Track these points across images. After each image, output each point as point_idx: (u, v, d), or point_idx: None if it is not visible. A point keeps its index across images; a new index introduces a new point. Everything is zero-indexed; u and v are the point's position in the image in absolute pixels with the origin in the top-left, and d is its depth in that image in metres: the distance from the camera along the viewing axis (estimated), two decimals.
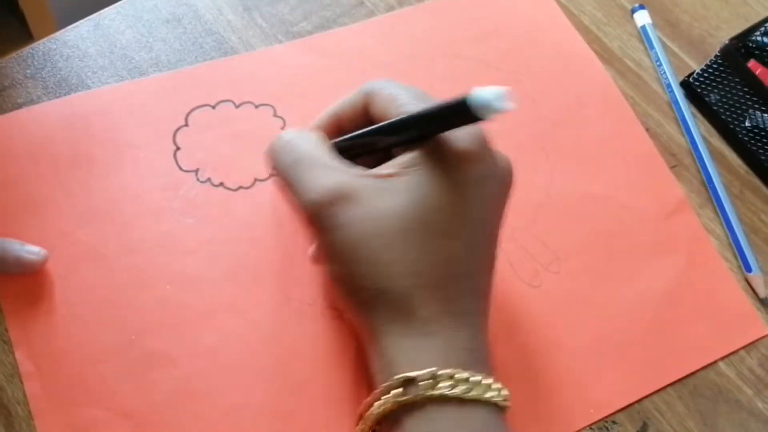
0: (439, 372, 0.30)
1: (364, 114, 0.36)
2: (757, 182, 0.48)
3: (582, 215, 0.44)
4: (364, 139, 0.35)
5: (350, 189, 0.32)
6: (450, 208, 0.32)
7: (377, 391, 0.31)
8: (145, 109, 0.43)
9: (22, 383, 0.36)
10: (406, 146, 0.33)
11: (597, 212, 0.45)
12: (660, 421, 0.40)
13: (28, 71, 0.43)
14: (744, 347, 0.43)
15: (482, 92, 0.28)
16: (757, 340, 0.43)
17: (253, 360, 0.38)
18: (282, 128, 0.44)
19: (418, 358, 0.31)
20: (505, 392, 0.32)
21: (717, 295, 0.44)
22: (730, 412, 0.41)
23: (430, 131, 0.32)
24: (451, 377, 0.30)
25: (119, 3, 0.46)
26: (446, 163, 0.32)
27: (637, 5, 0.52)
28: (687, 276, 0.44)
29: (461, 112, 0.29)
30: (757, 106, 0.48)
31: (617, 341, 0.41)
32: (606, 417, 0.40)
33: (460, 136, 0.32)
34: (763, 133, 0.48)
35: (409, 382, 0.30)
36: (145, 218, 0.40)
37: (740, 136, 0.49)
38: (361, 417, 0.32)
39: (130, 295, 0.38)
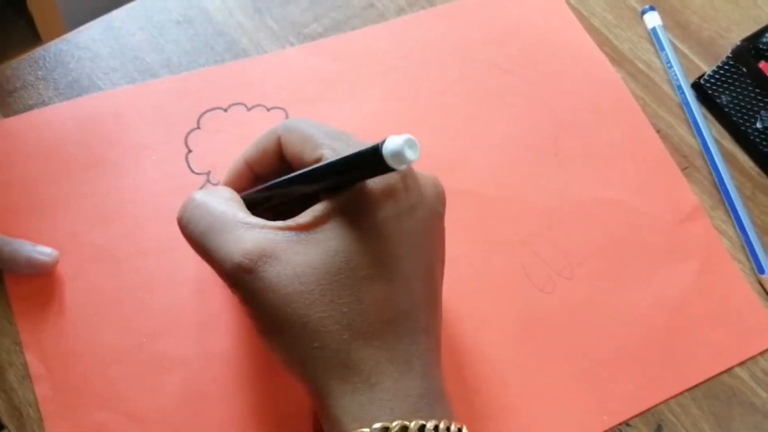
0: (391, 425, 0.29)
1: (276, 157, 0.34)
2: None
3: (595, 220, 0.44)
4: (276, 189, 0.33)
5: (269, 247, 0.30)
6: (372, 253, 0.30)
7: None
8: (157, 111, 0.43)
9: (33, 385, 0.36)
10: (325, 192, 0.31)
11: (610, 217, 0.45)
12: (674, 424, 0.40)
13: (40, 72, 0.43)
14: (759, 354, 0.42)
15: (394, 142, 0.27)
16: None
17: (264, 364, 0.38)
18: None
19: (366, 414, 0.29)
20: (464, 430, 0.30)
21: (731, 301, 0.43)
22: (744, 414, 0.41)
23: (347, 180, 0.30)
24: (404, 429, 0.29)
25: (130, 4, 0.46)
26: (364, 206, 0.30)
27: (647, 7, 0.52)
28: (701, 282, 0.43)
29: (375, 162, 0.28)
30: (767, 107, 0.48)
31: (631, 347, 0.41)
32: (621, 422, 0.39)
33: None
34: None
35: None
36: (157, 221, 0.40)
37: (752, 137, 0.48)
38: None
39: (141, 298, 0.38)
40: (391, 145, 0.27)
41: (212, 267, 0.31)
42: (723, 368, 0.41)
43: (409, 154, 0.27)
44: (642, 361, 0.41)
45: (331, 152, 0.31)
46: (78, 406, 0.36)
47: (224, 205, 0.32)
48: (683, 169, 0.47)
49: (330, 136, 0.32)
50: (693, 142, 0.48)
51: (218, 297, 0.39)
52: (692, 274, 0.43)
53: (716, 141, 0.48)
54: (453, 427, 0.30)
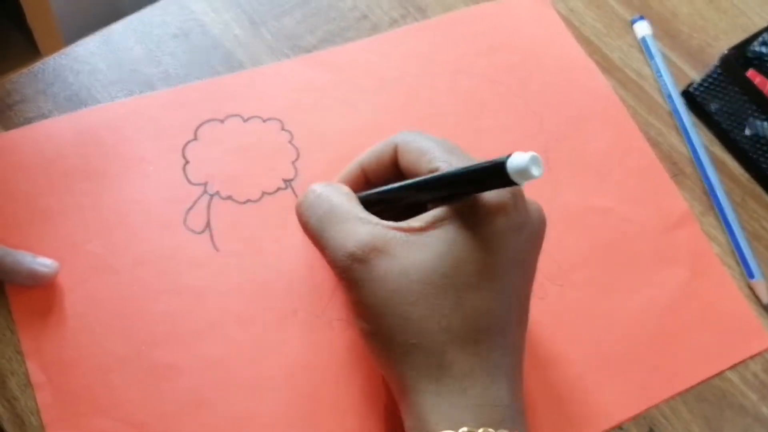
0: (476, 430, 0.30)
1: (391, 166, 0.36)
2: (758, 190, 0.49)
3: (585, 228, 0.45)
4: (392, 194, 0.35)
5: (381, 243, 0.31)
6: (479, 262, 0.31)
7: None
8: (155, 123, 0.43)
9: (34, 393, 0.36)
10: (436, 201, 0.33)
11: (600, 225, 0.45)
12: (666, 427, 0.40)
13: (39, 86, 0.44)
14: (750, 357, 0.43)
15: (519, 159, 0.28)
16: (761, 351, 0.43)
17: (260, 371, 0.38)
18: (290, 142, 0.44)
19: (454, 417, 0.30)
20: None
21: (721, 306, 0.44)
22: (734, 417, 0.41)
23: (463, 191, 0.32)
24: None
25: (128, 18, 0.47)
26: (476, 216, 0.32)
27: (637, 16, 0.53)
28: (690, 287, 0.44)
29: (497, 176, 0.29)
30: (756, 114, 0.49)
31: (622, 353, 0.42)
32: (613, 426, 0.40)
33: None
34: (763, 141, 0.48)
35: None
36: (154, 231, 0.41)
37: (741, 144, 0.49)
38: None
39: (139, 307, 0.39)
40: (516, 161, 0.28)
41: (323, 254, 0.33)
42: (713, 372, 0.42)
43: (534, 171, 0.28)
44: (633, 366, 0.41)
45: (447, 165, 0.33)
46: (79, 414, 0.36)
47: (342, 198, 0.34)
48: (673, 176, 0.48)
49: (446, 150, 0.34)
50: (683, 149, 0.49)
51: (216, 305, 0.39)
52: (682, 280, 0.44)
53: (706, 148, 0.49)
54: None
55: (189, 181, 0.42)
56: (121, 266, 0.40)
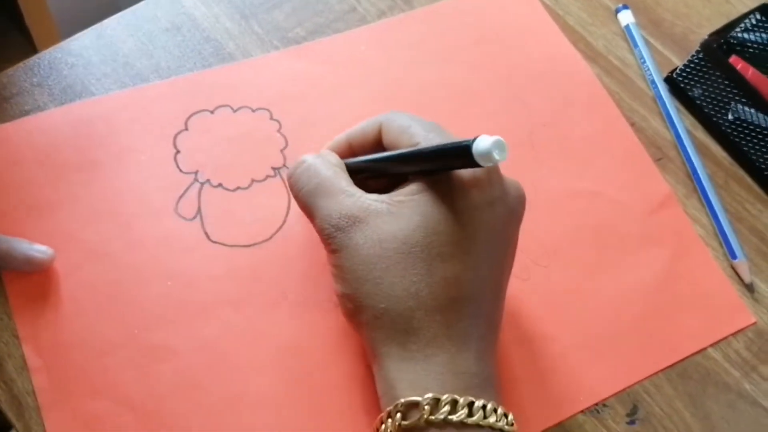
0: (442, 397, 0.31)
1: (375, 142, 0.38)
2: (741, 173, 0.49)
3: (570, 211, 0.46)
4: (376, 164, 0.37)
5: (362, 213, 0.34)
6: (452, 233, 0.33)
7: (382, 414, 0.33)
8: (147, 114, 0.45)
9: (30, 376, 0.37)
10: (417, 174, 0.35)
11: (584, 207, 0.46)
12: (650, 404, 0.41)
13: (35, 79, 0.45)
14: (732, 335, 0.44)
15: (484, 142, 0.30)
16: (743, 328, 0.44)
17: (251, 352, 0.39)
18: (278, 131, 0.45)
19: (419, 382, 0.32)
20: (510, 417, 0.32)
21: (704, 285, 0.45)
22: (718, 393, 0.42)
23: (437, 167, 0.34)
24: (454, 402, 0.31)
25: (121, 13, 0.48)
26: (451, 190, 0.33)
27: (620, 5, 0.54)
28: (674, 267, 0.45)
29: (463, 156, 0.31)
30: (738, 99, 0.49)
31: (606, 331, 0.43)
32: (597, 402, 0.41)
33: None
34: (745, 125, 0.49)
35: (411, 407, 0.31)
36: (147, 218, 0.42)
37: (723, 128, 0.50)
38: None
39: (133, 292, 0.40)
40: (481, 144, 0.30)
41: (312, 222, 0.36)
42: (696, 349, 0.43)
43: (497, 155, 0.30)
44: (617, 344, 0.42)
45: (426, 142, 0.35)
46: (74, 396, 0.37)
47: (330, 171, 0.36)
48: (657, 160, 0.49)
49: (426, 128, 0.35)
50: (667, 134, 0.50)
51: (207, 289, 0.40)
52: (665, 260, 0.45)
53: (689, 132, 0.50)
54: (500, 410, 0.32)
55: (180, 170, 0.43)
56: (114, 253, 0.41)
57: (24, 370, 0.38)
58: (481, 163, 0.30)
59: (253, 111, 0.46)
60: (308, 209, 0.36)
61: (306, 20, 0.50)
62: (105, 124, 0.44)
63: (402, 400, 0.31)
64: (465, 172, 0.33)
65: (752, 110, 0.49)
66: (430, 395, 0.31)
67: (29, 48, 0.88)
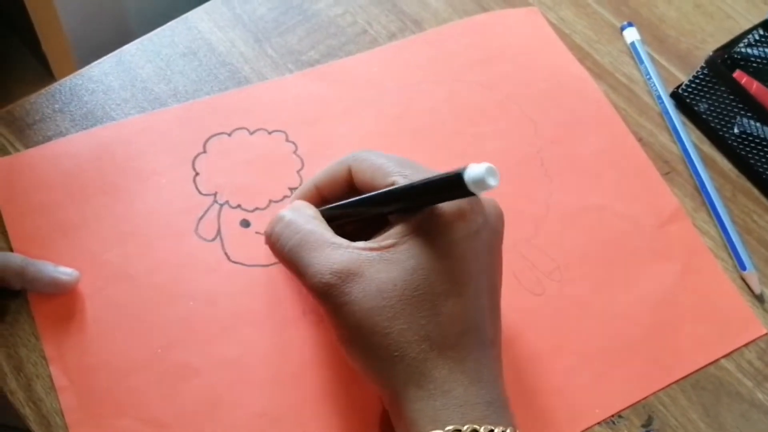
0: (462, 429, 0.32)
1: (346, 184, 0.37)
2: (748, 185, 0.50)
3: (581, 226, 0.47)
4: (353, 208, 0.36)
5: (355, 266, 0.33)
6: (448, 269, 0.33)
7: None
8: (166, 138, 0.46)
9: (58, 396, 0.38)
10: (398, 213, 0.34)
11: (595, 222, 0.47)
12: (665, 414, 0.42)
13: (56, 106, 0.46)
14: (744, 346, 0.44)
15: (476, 170, 0.29)
16: (755, 339, 0.45)
17: (272, 370, 0.40)
18: (294, 152, 0.46)
19: (439, 417, 0.32)
20: None
21: (714, 298, 0.45)
22: (731, 403, 0.43)
23: (423, 203, 0.33)
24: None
25: (139, 39, 0.49)
26: (438, 227, 0.33)
27: (625, 23, 0.55)
28: (684, 280, 0.46)
29: (455, 188, 0.31)
30: (743, 113, 0.50)
31: (619, 344, 0.43)
32: (612, 414, 0.41)
33: None
34: (750, 138, 0.50)
35: None
36: (168, 240, 0.43)
37: (730, 142, 0.51)
38: None
39: (156, 312, 0.41)
40: (473, 172, 0.29)
41: (300, 280, 0.35)
42: (709, 360, 0.43)
43: (491, 181, 0.29)
44: (630, 357, 0.43)
45: (403, 179, 0.34)
46: (100, 415, 0.38)
47: (311, 224, 0.35)
48: (665, 174, 0.50)
49: (400, 164, 0.35)
50: (674, 148, 0.51)
51: (228, 308, 0.41)
52: (675, 273, 0.46)
53: (696, 146, 0.51)
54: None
55: (199, 192, 0.44)
56: (137, 274, 0.42)
57: (52, 390, 0.38)
58: (475, 192, 0.30)
59: (269, 133, 0.47)
60: (294, 267, 0.35)
61: (319, 43, 0.51)
62: (125, 148, 0.45)
63: None
64: (447, 206, 0.33)
65: (757, 123, 0.50)
66: (451, 427, 0.32)
67: (45, 72, 0.90)
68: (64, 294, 0.40)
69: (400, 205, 0.34)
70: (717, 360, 0.44)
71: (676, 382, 0.43)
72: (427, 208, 0.33)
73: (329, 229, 0.36)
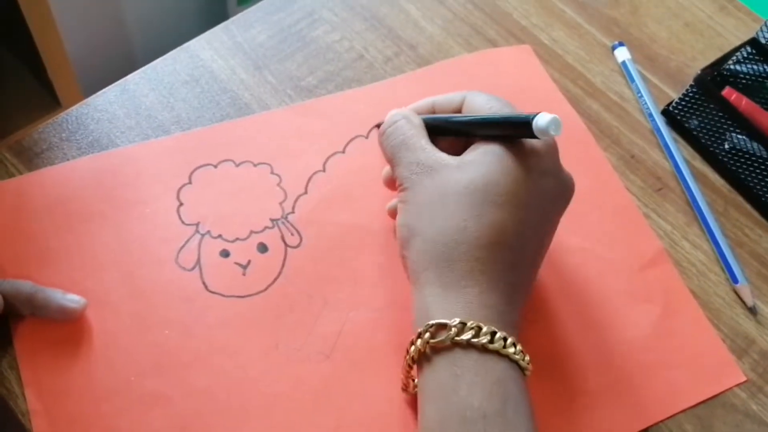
0: (468, 323, 0.35)
1: (455, 110, 0.43)
2: (739, 199, 0.51)
3: (562, 266, 0.46)
4: (449, 123, 0.42)
5: (435, 164, 0.39)
6: (508, 185, 0.37)
7: (414, 336, 0.37)
8: (153, 168, 0.46)
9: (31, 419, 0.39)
10: (481, 138, 0.40)
11: (576, 263, 0.46)
12: (659, 427, 0.43)
13: (63, 134, 0.47)
14: (723, 392, 0.43)
15: (543, 119, 0.36)
16: (734, 386, 0.43)
17: (243, 401, 0.40)
18: (278, 185, 0.47)
19: (450, 308, 0.36)
20: (527, 357, 0.36)
21: (694, 343, 0.44)
22: (726, 414, 0.43)
23: (502, 132, 0.39)
24: (478, 328, 0.35)
25: (143, 68, 0.51)
26: (513, 153, 0.38)
27: (616, 43, 0.57)
28: (663, 325, 0.45)
29: (524, 128, 0.37)
30: (733, 129, 0.51)
31: (593, 387, 0.42)
32: None
33: None
34: (740, 153, 0.51)
35: (440, 328, 0.35)
36: (148, 268, 0.43)
37: (720, 157, 0.52)
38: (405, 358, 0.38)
39: (131, 339, 0.41)
40: (541, 120, 0.36)
41: (394, 168, 0.41)
42: (686, 406, 0.42)
43: (552, 130, 0.36)
44: (606, 400, 0.42)
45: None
46: None
47: (413, 130, 0.42)
48: (657, 190, 0.51)
49: (505, 106, 0.41)
50: (666, 164, 0.52)
51: (202, 338, 0.42)
52: (654, 317, 0.45)
53: (687, 162, 0.52)
54: (519, 347, 0.36)
55: (182, 222, 0.45)
56: (116, 301, 0.42)
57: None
58: (539, 136, 0.36)
59: (255, 165, 0.47)
60: (393, 159, 0.42)
61: (317, 69, 0.52)
62: (113, 177, 0.46)
63: (432, 322, 0.36)
64: (527, 142, 0.39)
65: (747, 139, 0.51)
66: (457, 319, 0.35)
67: (53, 101, 0.92)
68: (71, 320, 0.41)
69: (485, 131, 0.40)
70: (695, 405, 0.42)
71: (654, 425, 0.42)
72: (509, 140, 0.39)
73: (426, 137, 0.41)
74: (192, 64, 0.51)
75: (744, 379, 0.44)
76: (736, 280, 0.47)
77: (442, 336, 0.35)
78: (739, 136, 0.51)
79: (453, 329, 0.35)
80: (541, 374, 0.42)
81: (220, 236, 0.45)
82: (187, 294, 0.43)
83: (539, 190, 0.38)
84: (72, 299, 0.41)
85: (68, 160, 0.47)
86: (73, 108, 0.49)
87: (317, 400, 0.41)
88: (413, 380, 0.39)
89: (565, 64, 0.55)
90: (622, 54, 0.56)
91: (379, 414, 0.41)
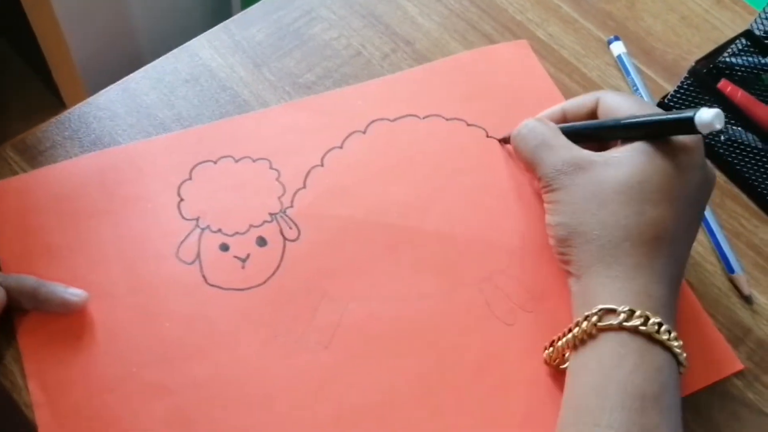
0: (637, 311, 0.37)
1: (589, 113, 0.45)
2: (735, 190, 0.52)
3: (556, 258, 0.46)
4: (590, 130, 0.43)
5: (583, 162, 0.41)
6: (663, 183, 0.39)
7: (577, 320, 0.39)
8: (154, 165, 0.47)
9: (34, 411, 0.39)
10: (627, 140, 0.41)
11: None
12: None
13: (66, 133, 0.48)
14: (720, 381, 0.44)
15: (707, 114, 0.37)
16: (731, 374, 0.44)
17: (242, 391, 0.41)
18: (277, 179, 0.48)
19: (618, 296, 0.38)
20: (684, 354, 0.38)
21: (690, 332, 0.44)
22: (722, 403, 0.44)
23: (654, 135, 0.40)
24: (646, 318, 0.37)
25: (144, 68, 0.51)
26: (664, 151, 0.40)
27: (612, 37, 0.57)
28: None
29: (685, 127, 0.39)
30: (728, 121, 0.52)
31: None
32: None
33: None
34: (736, 145, 0.51)
35: (608, 313, 0.38)
36: (150, 262, 0.44)
37: (717, 149, 0.52)
38: (551, 345, 0.41)
39: (133, 332, 0.42)
40: (705, 115, 0.37)
41: (535, 171, 0.43)
42: (685, 393, 0.42)
43: (717, 124, 0.37)
44: None
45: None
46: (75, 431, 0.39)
47: (551, 131, 0.44)
48: None
49: (642, 107, 0.42)
50: None
51: (202, 330, 0.42)
52: None
53: None
54: (678, 342, 0.38)
55: (183, 217, 0.46)
56: (118, 294, 0.43)
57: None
58: (702, 131, 0.38)
59: (254, 161, 0.48)
60: (532, 161, 0.43)
61: (315, 65, 0.53)
62: (115, 174, 0.47)
63: (601, 306, 0.38)
64: (676, 139, 0.40)
65: (742, 131, 0.51)
66: (627, 306, 0.37)
67: (57, 100, 0.93)
68: (73, 314, 0.42)
69: (634, 134, 0.41)
70: (694, 392, 0.43)
71: None
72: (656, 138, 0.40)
73: (564, 137, 0.43)
74: (192, 63, 0.52)
75: (741, 367, 0.44)
76: (732, 270, 0.48)
77: (610, 320, 0.37)
78: (735, 128, 0.52)
79: (622, 314, 0.37)
80: (537, 364, 0.43)
81: (219, 230, 0.46)
82: (187, 287, 0.44)
83: (691, 184, 0.40)
84: (74, 293, 0.42)
85: (71, 158, 0.47)
86: (76, 107, 0.49)
87: (316, 390, 0.41)
88: (563, 355, 0.40)
89: (560, 59, 0.56)
90: (618, 48, 0.56)
91: (377, 403, 0.41)
